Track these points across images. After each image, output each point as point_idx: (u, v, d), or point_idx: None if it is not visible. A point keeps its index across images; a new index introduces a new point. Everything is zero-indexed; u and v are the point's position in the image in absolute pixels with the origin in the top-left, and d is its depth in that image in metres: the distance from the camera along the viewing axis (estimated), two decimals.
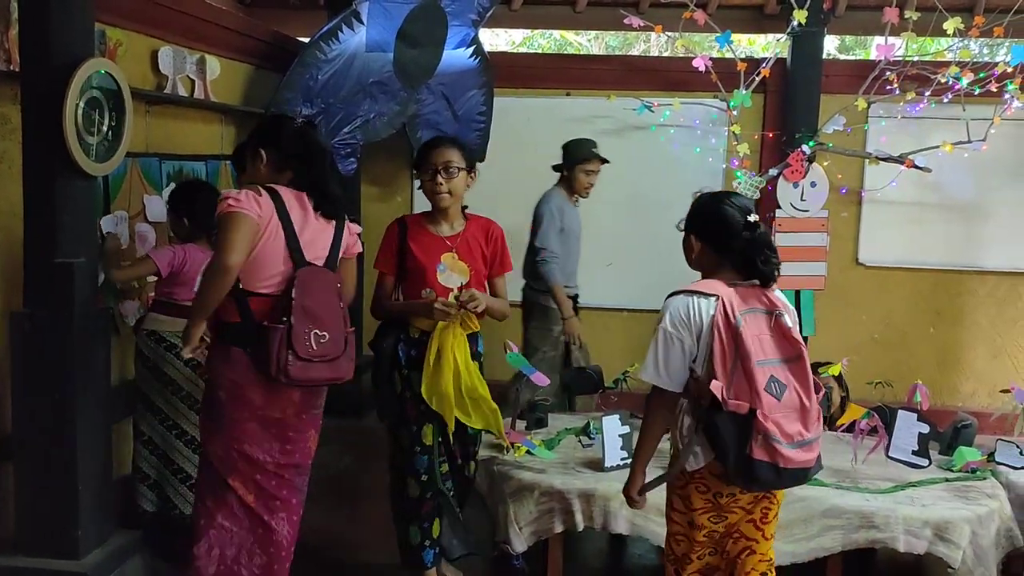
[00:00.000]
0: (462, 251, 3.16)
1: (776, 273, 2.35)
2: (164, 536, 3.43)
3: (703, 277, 2.43)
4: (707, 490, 2.36)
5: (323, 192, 2.69)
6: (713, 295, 2.30)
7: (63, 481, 3.03)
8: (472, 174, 3.21)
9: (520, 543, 3.13)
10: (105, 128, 3.14)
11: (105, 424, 3.19)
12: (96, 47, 3.35)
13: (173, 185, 3.91)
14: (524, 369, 3.60)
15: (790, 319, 2.33)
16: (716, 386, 2.23)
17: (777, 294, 2.39)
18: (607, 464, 3.24)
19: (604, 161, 4.68)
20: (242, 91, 4.90)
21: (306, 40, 5.02)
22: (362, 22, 4.66)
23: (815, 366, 4.09)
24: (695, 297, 2.33)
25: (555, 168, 4.71)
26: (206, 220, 3.40)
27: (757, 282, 2.35)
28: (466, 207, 3.27)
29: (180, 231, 3.62)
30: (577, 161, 4.62)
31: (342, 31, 4.63)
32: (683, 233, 2.56)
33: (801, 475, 2.29)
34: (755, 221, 2.39)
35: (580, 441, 3.57)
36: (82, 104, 3.00)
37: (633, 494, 2.49)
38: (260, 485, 2.68)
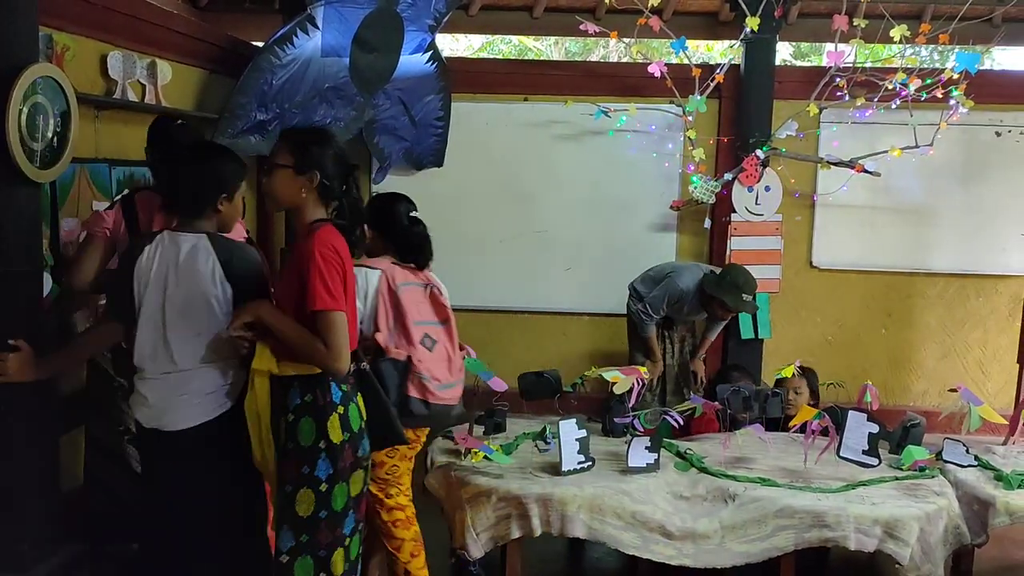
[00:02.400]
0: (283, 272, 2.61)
1: (430, 259, 3.11)
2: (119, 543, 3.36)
3: (369, 256, 3.01)
4: None
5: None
6: (378, 269, 2.95)
7: (6, 495, 2.96)
8: (308, 176, 2.41)
9: (477, 549, 3.12)
10: (50, 134, 3.08)
11: (51, 436, 3.13)
12: (42, 52, 3.29)
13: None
14: (482, 374, 3.60)
15: (442, 292, 3.07)
16: (380, 337, 2.87)
17: (430, 274, 3.10)
18: (564, 468, 3.25)
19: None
20: (195, 96, 4.83)
21: (261, 44, 4.98)
22: (317, 27, 4.62)
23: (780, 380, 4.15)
24: (365, 269, 2.91)
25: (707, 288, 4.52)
26: None
27: (413, 264, 3.06)
28: (322, 220, 2.45)
29: None
30: (722, 302, 4.45)
31: (297, 36, 4.58)
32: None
33: (445, 412, 2.97)
34: (417, 218, 3.13)
35: (537, 446, 3.57)
36: (26, 110, 2.95)
37: None
38: None
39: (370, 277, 2.90)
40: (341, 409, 2.39)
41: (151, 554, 2.50)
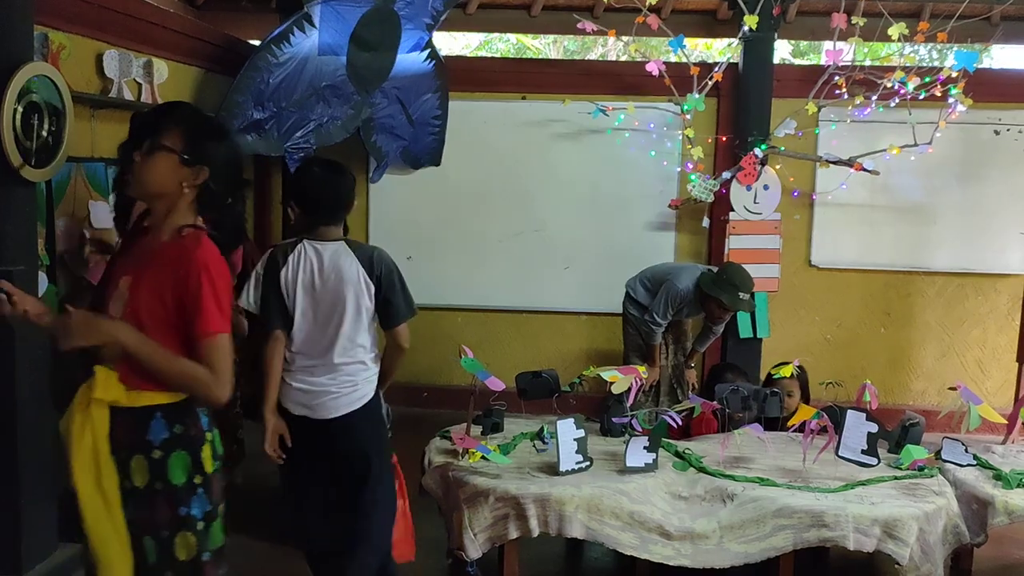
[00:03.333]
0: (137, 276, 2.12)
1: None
2: None
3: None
4: None
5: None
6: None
7: (4, 495, 2.95)
8: (195, 171, 2.08)
9: (475, 550, 3.11)
10: (45, 133, 3.07)
11: (49, 435, 3.11)
12: (37, 51, 3.28)
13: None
14: (479, 374, 3.59)
15: None
16: None
17: None
18: (562, 468, 3.23)
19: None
20: (192, 95, 4.82)
21: (257, 43, 4.97)
22: (314, 25, 4.61)
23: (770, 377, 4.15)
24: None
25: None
26: None
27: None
28: (195, 227, 2.12)
29: None
30: (719, 302, 4.41)
31: (294, 34, 4.57)
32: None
33: None
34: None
35: (535, 446, 3.56)
36: (20, 109, 2.93)
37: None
38: None
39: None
40: (210, 436, 2.13)
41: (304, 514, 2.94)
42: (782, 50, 11.87)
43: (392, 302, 2.83)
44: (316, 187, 2.85)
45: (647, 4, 4.93)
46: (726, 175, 5.33)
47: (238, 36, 5.39)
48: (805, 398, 4.21)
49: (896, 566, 3.03)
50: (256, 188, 5.78)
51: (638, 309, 4.68)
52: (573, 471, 3.24)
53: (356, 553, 2.88)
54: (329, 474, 2.89)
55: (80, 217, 3.76)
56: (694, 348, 4.91)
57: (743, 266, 4.53)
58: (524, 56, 11.91)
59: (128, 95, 4.11)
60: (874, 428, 3.42)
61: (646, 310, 4.58)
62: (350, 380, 2.82)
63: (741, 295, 4.37)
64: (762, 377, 5.17)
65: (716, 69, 5.25)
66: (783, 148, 5.37)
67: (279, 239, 5.64)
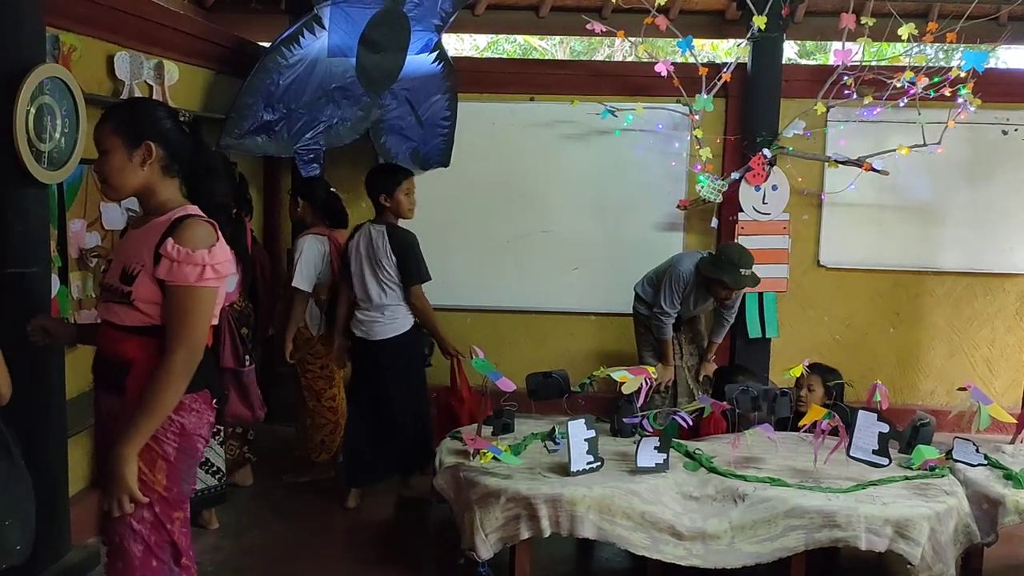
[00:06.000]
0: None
1: (347, 221, 4.62)
2: None
3: (308, 227, 4.54)
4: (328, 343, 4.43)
5: None
6: (324, 236, 4.45)
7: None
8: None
9: (486, 550, 3.12)
10: (57, 135, 3.09)
11: (60, 438, 3.12)
12: (48, 53, 3.29)
13: None
14: (490, 375, 3.60)
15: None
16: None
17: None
18: (573, 469, 3.24)
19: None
20: (202, 96, 4.83)
21: (267, 45, 4.98)
22: (324, 27, 4.63)
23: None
24: (320, 236, 4.46)
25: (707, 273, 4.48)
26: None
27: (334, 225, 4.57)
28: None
29: None
30: (721, 281, 4.38)
31: (304, 36, 4.58)
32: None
33: None
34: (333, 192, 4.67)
35: (546, 446, 3.56)
36: (33, 111, 2.95)
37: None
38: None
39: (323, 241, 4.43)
40: None
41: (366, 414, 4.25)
42: (787, 50, 11.83)
43: (407, 268, 4.12)
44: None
45: (656, 5, 4.93)
46: (735, 175, 5.33)
47: (247, 37, 5.40)
48: (828, 396, 4.05)
49: (908, 566, 3.03)
50: (266, 189, 5.79)
51: (647, 308, 4.68)
52: (584, 471, 3.25)
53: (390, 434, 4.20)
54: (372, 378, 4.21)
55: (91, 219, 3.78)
56: (711, 340, 4.89)
57: (740, 244, 4.48)
58: (531, 57, 11.92)
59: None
60: (885, 428, 3.42)
61: (654, 304, 4.59)
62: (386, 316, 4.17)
63: (742, 271, 4.35)
64: (773, 378, 5.18)
65: (725, 69, 5.25)
66: (791, 148, 5.36)
67: (288, 239, 5.66)
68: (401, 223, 4.24)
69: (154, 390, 2.12)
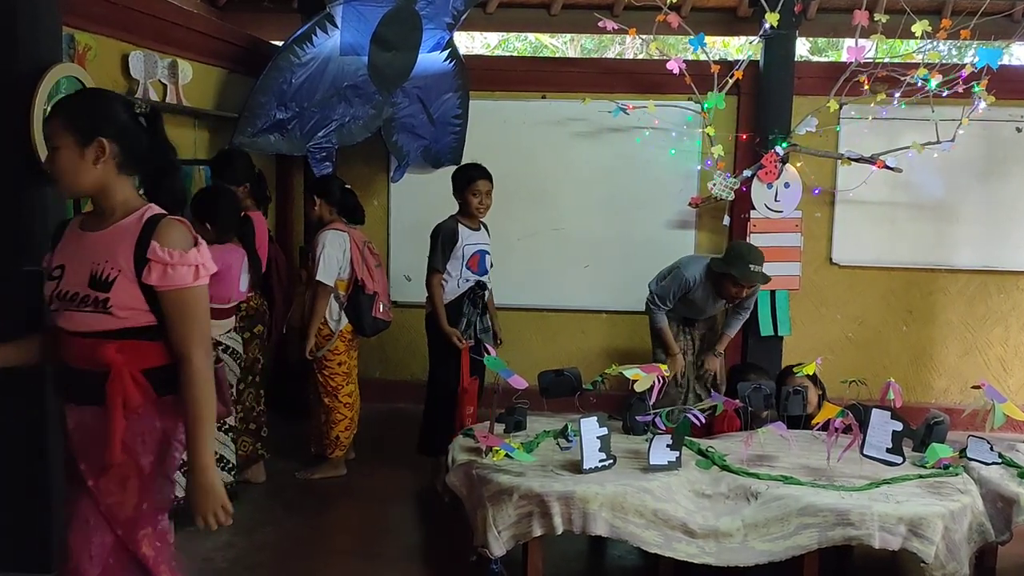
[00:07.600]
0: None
1: (363, 217, 4.70)
2: None
3: (327, 225, 4.49)
4: (346, 339, 4.51)
5: None
6: (345, 232, 4.45)
7: (35, 496, 2.99)
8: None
9: (499, 547, 3.12)
10: None
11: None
12: (64, 52, 3.32)
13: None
14: (502, 372, 3.60)
15: (373, 246, 4.66)
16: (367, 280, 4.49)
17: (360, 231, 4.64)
18: (586, 466, 3.24)
19: None
20: (215, 95, 4.86)
21: (280, 43, 5.00)
22: (336, 25, 4.64)
23: (788, 368, 4.15)
24: (341, 232, 4.46)
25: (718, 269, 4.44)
26: (230, 223, 3.95)
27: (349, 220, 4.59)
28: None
29: (206, 236, 3.59)
30: (731, 277, 4.36)
31: (316, 35, 4.60)
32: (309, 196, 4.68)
33: (384, 325, 4.59)
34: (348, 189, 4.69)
35: (558, 444, 3.57)
36: (49, 109, 2.96)
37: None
38: None
39: (343, 237, 4.46)
40: None
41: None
42: (800, 47, 11.78)
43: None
44: None
45: (667, 2, 4.92)
46: (747, 173, 5.32)
47: (260, 36, 5.42)
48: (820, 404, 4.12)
49: (922, 564, 3.02)
50: (279, 187, 5.82)
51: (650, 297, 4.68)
52: (597, 469, 3.25)
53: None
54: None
55: None
56: (723, 332, 4.73)
57: (750, 242, 4.47)
58: (542, 55, 11.91)
59: (153, 96, 4.15)
60: (899, 427, 3.41)
61: (652, 292, 4.58)
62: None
63: (752, 267, 4.30)
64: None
65: (737, 67, 5.24)
66: (804, 146, 5.35)
67: (301, 236, 5.69)
68: (460, 217, 4.54)
69: (196, 397, 2.06)
